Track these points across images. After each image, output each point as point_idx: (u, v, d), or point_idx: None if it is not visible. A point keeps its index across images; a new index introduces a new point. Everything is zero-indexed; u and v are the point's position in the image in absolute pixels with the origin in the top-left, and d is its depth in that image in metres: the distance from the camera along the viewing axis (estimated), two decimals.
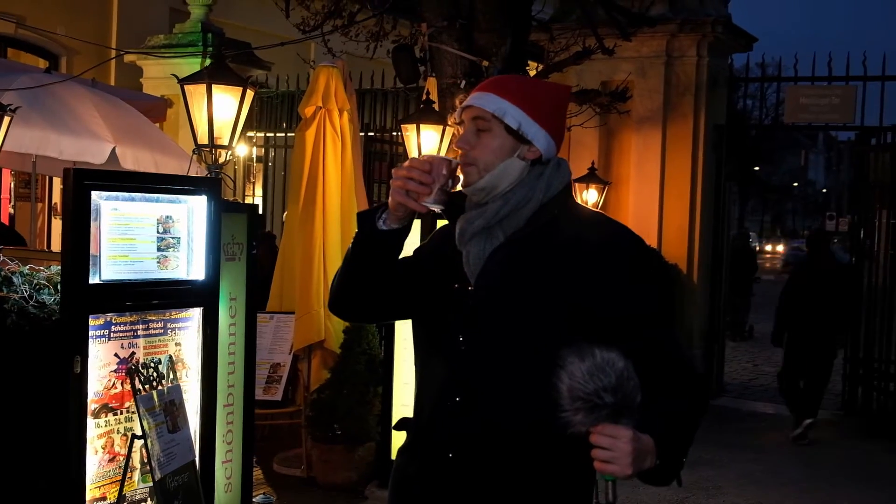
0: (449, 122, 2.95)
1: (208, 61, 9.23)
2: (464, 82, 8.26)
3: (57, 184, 11.80)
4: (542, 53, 10.01)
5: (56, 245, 11.00)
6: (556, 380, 1.94)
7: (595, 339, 2.06)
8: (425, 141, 6.32)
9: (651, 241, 10.49)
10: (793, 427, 8.97)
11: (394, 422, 6.23)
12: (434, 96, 7.16)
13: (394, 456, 6.57)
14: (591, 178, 10.08)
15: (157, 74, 10.96)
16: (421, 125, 6.35)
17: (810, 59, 10.10)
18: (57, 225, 11.66)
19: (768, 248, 52.27)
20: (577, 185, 10.12)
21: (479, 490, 2.23)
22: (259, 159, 11.71)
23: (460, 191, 2.32)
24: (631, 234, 2.28)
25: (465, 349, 2.24)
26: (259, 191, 11.91)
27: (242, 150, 11.23)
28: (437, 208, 2.25)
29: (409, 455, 2.39)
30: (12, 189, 12.06)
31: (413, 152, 6.30)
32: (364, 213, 2.37)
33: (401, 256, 2.41)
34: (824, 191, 73.29)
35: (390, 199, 2.28)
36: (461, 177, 2.31)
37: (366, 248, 2.36)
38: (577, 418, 1.91)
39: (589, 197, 10.07)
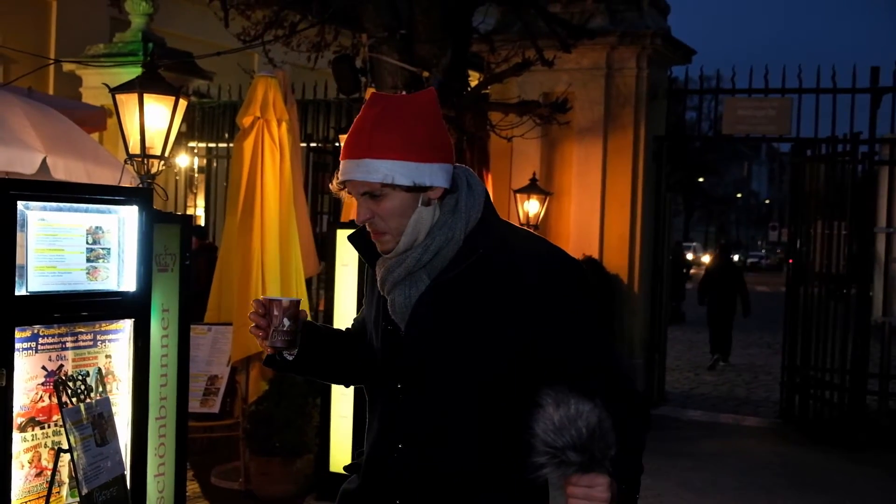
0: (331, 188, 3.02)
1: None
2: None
3: None
4: (483, 64, 10.08)
5: None
6: (531, 421, 1.85)
7: (536, 372, 2.07)
8: None
9: (592, 251, 10.59)
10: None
11: (332, 433, 6.23)
12: None
13: (333, 468, 6.51)
14: (532, 188, 10.15)
15: (97, 84, 10.78)
16: None
17: (748, 72, 10.28)
18: None
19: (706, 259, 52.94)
20: (518, 195, 10.19)
21: None
22: (201, 170, 11.61)
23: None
24: (564, 259, 2.19)
25: (402, 397, 2.19)
26: (201, 202, 11.80)
27: (184, 160, 11.12)
28: (279, 349, 2.25)
29: (356, 500, 2.32)
30: None
31: None
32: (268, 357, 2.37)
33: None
34: (767, 201, 74.52)
35: None
36: (302, 313, 2.26)
37: (299, 371, 2.39)
38: (544, 470, 1.84)
39: (530, 208, 10.13)
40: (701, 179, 48.40)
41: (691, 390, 12.59)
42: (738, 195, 68.01)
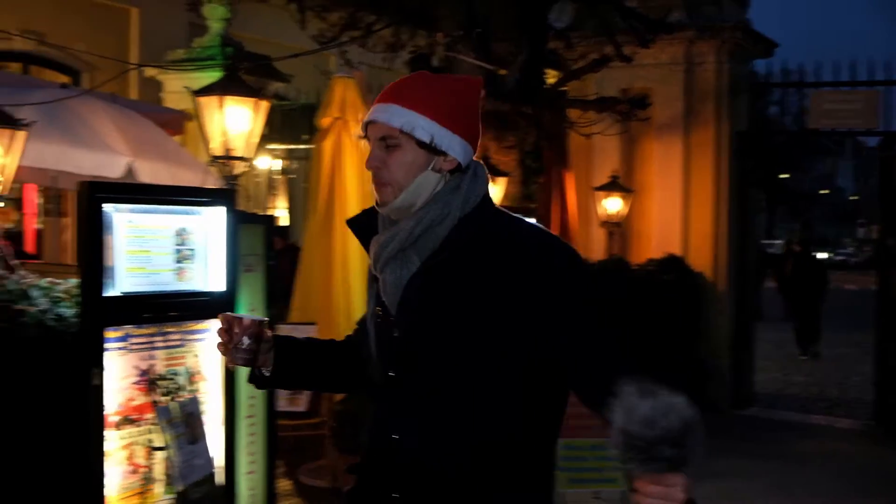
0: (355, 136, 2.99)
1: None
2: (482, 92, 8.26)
3: None
4: (560, 61, 9.98)
5: None
6: (609, 412, 1.76)
7: (535, 360, 2.02)
8: None
9: (675, 249, 10.42)
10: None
11: None
12: None
13: None
14: (613, 186, 10.03)
15: (177, 88, 10.99)
16: None
17: (831, 64, 10.03)
18: None
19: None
20: (598, 193, 10.07)
21: None
22: (283, 171, 11.73)
23: (374, 208, 2.20)
24: (562, 248, 2.14)
25: (395, 386, 2.14)
26: (282, 203, 11.93)
27: (264, 162, 11.25)
28: (237, 366, 2.27)
29: (358, 496, 2.28)
30: (40, 205, 12.17)
31: None
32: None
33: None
34: (853, 197, 72.71)
35: None
36: (266, 332, 2.27)
37: (280, 386, 2.46)
38: (628, 464, 1.73)
39: (611, 206, 10.01)
40: (785, 175, 47.41)
41: (780, 391, 12.30)
42: (823, 191, 66.51)
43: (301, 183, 11.46)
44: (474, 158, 2.19)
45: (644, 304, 8.26)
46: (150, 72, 10.92)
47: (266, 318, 2.27)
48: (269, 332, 2.28)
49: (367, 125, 2.15)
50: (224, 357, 2.28)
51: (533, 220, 2.45)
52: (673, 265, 9.93)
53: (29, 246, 11.03)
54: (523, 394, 2.08)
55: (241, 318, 2.23)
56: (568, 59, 9.84)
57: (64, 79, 11.32)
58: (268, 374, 2.33)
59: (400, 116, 2.09)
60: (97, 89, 6.62)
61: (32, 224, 12.00)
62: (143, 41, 12.14)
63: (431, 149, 2.09)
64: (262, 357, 2.29)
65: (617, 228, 10.22)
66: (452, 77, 2.22)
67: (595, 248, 10.53)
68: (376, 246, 2.14)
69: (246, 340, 2.21)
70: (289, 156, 11.59)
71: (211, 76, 10.19)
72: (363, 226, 2.23)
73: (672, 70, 10.62)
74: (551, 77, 9.36)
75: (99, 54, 8.83)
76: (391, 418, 2.16)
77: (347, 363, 2.40)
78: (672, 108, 10.64)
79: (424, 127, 2.08)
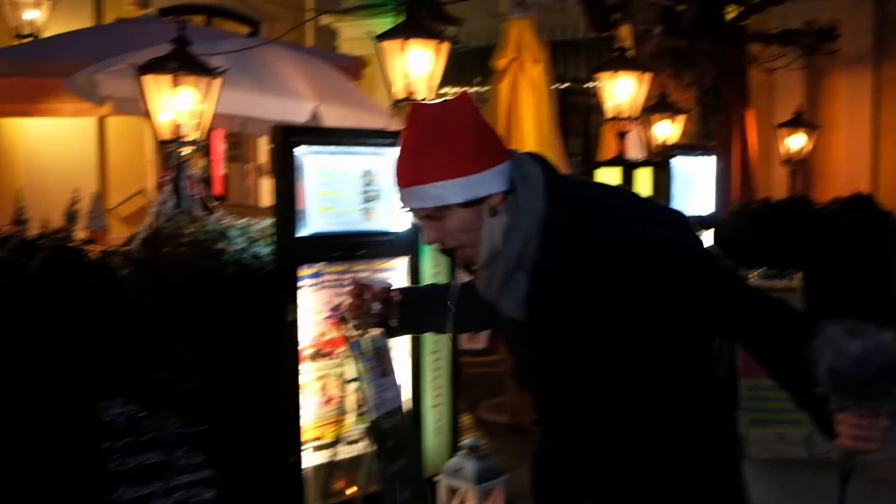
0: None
1: (401, 19, 9.37)
2: (658, 28, 8.07)
3: (262, 144, 12.35)
4: None
5: (266, 201, 11.55)
6: (814, 352, 1.74)
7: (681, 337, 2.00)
8: (621, 89, 6.21)
9: (863, 187, 9.95)
10: None
11: None
12: (628, 44, 7.01)
13: None
14: (797, 122, 9.62)
15: (352, 35, 11.24)
16: (615, 73, 6.24)
17: None
18: (265, 183, 12.22)
19: None
20: (781, 130, 9.71)
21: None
22: None
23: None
24: (665, 218, 2.05)
25: (543, 388, 2.21)
26: None
27: None
28: (366, 328, 2.46)
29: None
30: (224, 152, 12.71)
31: (609, 101, 6.20)
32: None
33: None
34: None
35: None
36: (395, 294, 2.37)
37: (407, 332, 2.65)
38: (844, 404, 1.73)
39: (795, 143, 9.62)
40: None
41: None
42: None
43: None
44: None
45: (830, 244, 7.95)
46: (325, 20, 11.18)
47: (391, 283, 2.39)
48: (396, 296, 2.38)
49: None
50: (354, 320, 2.42)
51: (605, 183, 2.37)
52: (861, 204, 9.48)
53: (216, 190, 11.57)
54: (682, 379, 2.07)
55: (371, 286, 2.34)
56: None
57: (244, 30, 11.73)
58: (395, 325, 2.50)
59: (428, 197, 1.98)
60: (279, 38, 6.83)
61: (218, 169, 12.57)
62: None
63: (474, 202, 1.98)
64: (391, 312, 2.42)
65: (800, 167, 9.83)
66: (441, 110, 2.02)
67: (777, 187, 10.19)
68: (482, 288, 2.10)
69: (376, 306, 2.33)
70: None
71: (384, 22, 10.36)
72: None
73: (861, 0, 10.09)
74: (731, 11, 9.05)
75: (278, 4, 9.08)
76: (554, 419, 2.22)
77: (468, 306, 2.34)
78: (862, 40, 10.11)
79: (456, 192, 1.96)
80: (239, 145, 12.25)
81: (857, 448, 1.78)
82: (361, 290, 2.32)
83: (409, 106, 2.08)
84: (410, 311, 2.45)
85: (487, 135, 2.01)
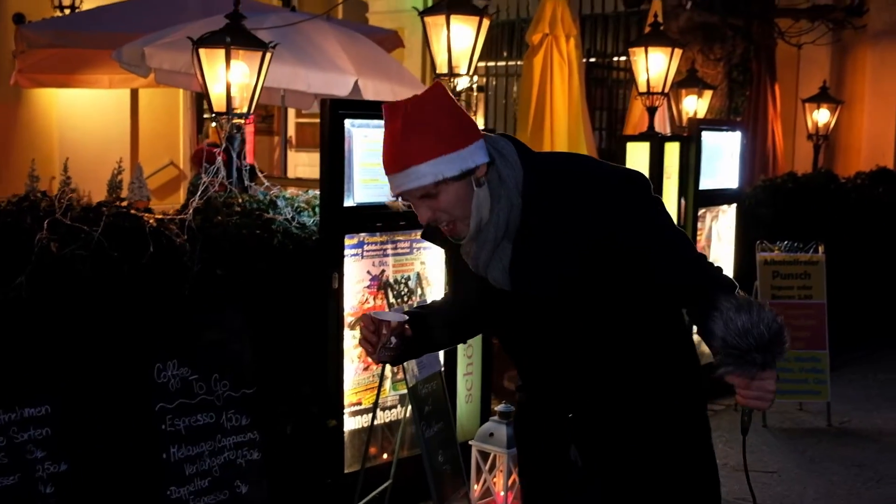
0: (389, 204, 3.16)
1: None
2: (689, 3, 8.12)
3: (291, 117, 12.46)
4: None
5: (292, 173, 11.68)
6: (710, 322, 2.01)
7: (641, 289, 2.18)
8: (653, 63, 6.28)
9: (887, 161, 10.00)
10: None
11: None
12: (661, 18, 7.07)
13: None
14: (822, 97, 9.65)
15: (382, 9, 11.31)
16: (649, 48, 6.31)
17: None
18: (293, 156, 12.33)
19: None
20: (807, 105, 9.76)
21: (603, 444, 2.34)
22: (480, 88, 11.90)
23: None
24: (624, 177, 2.23)
25: (540, 345, 2.31)
26: (480, 121, 12.13)
27: (464, 80, 11.43)
28: (384, 363, 2.44)
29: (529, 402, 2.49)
30: (253, 124, 12.84)
31: (641, 76, 6.28)
32: None
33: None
34: None
35: None
36: (407, 332, 2.34)
37: (412, 357, 2.58)
38: (726, 367, 2.01)
39: (820, 118, 9.66)
40: None
41: None
42: None
43: (500, 100, 11.59)
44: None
45: (854, 217, 8.03)
46: None
47: (407, 316, 2.36)
48: (409, 330, 2.38)
49: (400, 196, 2.19)
50: (369, 355, 2.39)
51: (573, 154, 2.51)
52: (885, 178, 9.54)
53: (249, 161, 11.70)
54: (654, 320, 2.29)
55: (388, 321, 2.30)
56: None
57: (276, 2, 11.82)
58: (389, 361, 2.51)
59: (425, 175, 2.12)
60: (326, 14, 6.93)
61: (250, 142, 12.71)
62: None
63: (465, 174, 2.13)
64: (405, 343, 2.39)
65: (825, 141, 9.88)
66: (418, 101, 2.17)
67: (801, 161, 10.23)
68: (471, 259, 2.25)
69: (393, 340, 2.30)
70: (487, 73, 11.72)
71: None
72: (440, 234, 2.30)
73: None
74: None
75: None
76: (541, 371, 2.37)
77: (462, 324, 2.52)
78: (890, 15, 10.08)
79: (450, 166, 2.12)
80: (267, 118, 12.38)
81: (749, 405, 2.07)
82: (378, 325, 2.31)
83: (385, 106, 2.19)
84: (416, 338, 2.47)
85: (463, 115, 2.20)
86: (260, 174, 4.28)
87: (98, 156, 9.36)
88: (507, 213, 2.17)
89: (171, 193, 10.91)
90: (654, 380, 2.28)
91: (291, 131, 12.61)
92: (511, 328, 2.37)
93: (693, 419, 2.35)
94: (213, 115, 4.19)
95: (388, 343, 2.30)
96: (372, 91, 5.94)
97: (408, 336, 2.35)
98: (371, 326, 2.31)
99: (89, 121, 10.25)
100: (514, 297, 2.24)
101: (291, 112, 12.14)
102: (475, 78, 11.68)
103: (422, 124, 2.13)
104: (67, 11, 9.35)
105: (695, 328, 2.22)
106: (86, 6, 9.41)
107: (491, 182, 2.17)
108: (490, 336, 4.64)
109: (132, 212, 3.54)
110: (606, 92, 11.12)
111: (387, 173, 2.18)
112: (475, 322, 2.52)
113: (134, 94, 10.40)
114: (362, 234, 4.15)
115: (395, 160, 2.14)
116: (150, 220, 3.57)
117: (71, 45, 7.35)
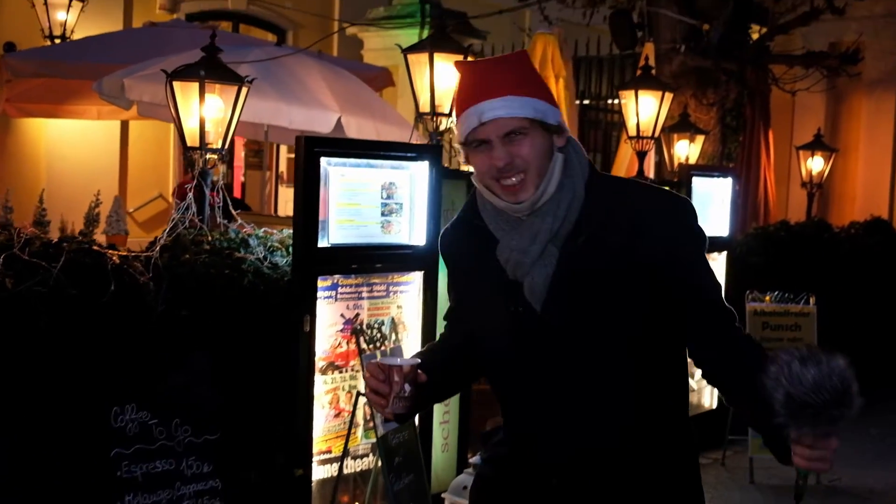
0: (453, 145, 2.92)
1: (426, 32, 9.40)
2: (683, 47, 8.07)
3: (283, 153, 12.38)
4: (767, 15, 9.61)
5: (283, 210, 11.57)
6: (769, 379, 1.78)
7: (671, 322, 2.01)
8: (643, 107, 6.21)
9: (881, 211, 9.94)
10: None
11: None
12: (652, 62, 7.02)
13: None
14: (816, 145, 9.60)
15: (377, 46, 11.24)
16: (639, 91, 6.24)
17: None
18: (283, 192, 12.25)
19: None
20: (801, 152, 9.69)
21: None
22: None
23: (452, 227, 2.16)
24: (680, 201, 2.08)
25: (544, 378, 2.06)
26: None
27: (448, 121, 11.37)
28: (400, 415, 2.06)
29: (500, 469, 2.24)
30: (244, 159, 12.78)
31: (631, 119, 6.20)
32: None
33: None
34: None
35: None
36: (421, 377, 2.05)
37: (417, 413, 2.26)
38: (800, 429, 1.79)
39: (814, 165, 9.60)
40: None
41: None
42: None
43: None
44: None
45: (847, 268, 7.92)
46: (351, 30, 11.21)
47: (419, 360, 2.09)
48: (423, 375, 2.08)
49: (480, 126, 1.97)
50: (378, 409, 2.09)
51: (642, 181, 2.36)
52: (879, 228, 9.45)
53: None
54: (666, 365, 2.09)
55: (400, 367, 2.02)
56: (775, 12, 9.47)
57: (270, 37, 11.80)
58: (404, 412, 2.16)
59: (525, 106, 1.95)
60: (308, 48, 6.87)
61: (239, 177, 12.62)
62: (345, 0, 12.46)
63: (556, 129, 1.99)
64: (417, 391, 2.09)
65: (819, 189, 9.82)
66: (506, 56, 2.08)
67: (795, 209, 10.16)
68: (516, 253, 2.01)
69: (407, 388, 2.01)
70: None
71: (409, 34, 10.40)
72: (455, 240, 2.17)
73: (887, 23, 10.08)
74: (755, 31, 9.05)
75: (305, 11, 9.12)
76: (543, 410, 2.09)
77: (461, 368, 2.28)
78: (885, 63, 10.11)
79: (549, 112, 1.98)
80: (259, 153, 12.31)
81: (811, 468, 1.84)
82: (388, 373, 2.02)
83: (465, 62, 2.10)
84: (435, 385, 2.19)
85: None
86: (234, 212, 4.15)
87: (86, 187, 9.23)
88: (569, 200, 2.00)
89: (159, 226, 10.74)
90: (657, 428, 2.08)
91: (283, 166, 12.53)
92: (513, 360, 2.11)
93: (689, 478, 2.15)
94: (186, 149, 4.08)
95: (402, 392, 2.01)
96: (355, 129, 5.85)
97: (422, 382, 2.06)
98: (380, 375, 2.02)
99: (78, 151, 10.16)
100: (527, 319, 2.03)
101: (284, 147, 12.09)
102: None
103: (523, 68, 2.03)
104: (58, 41, 9.30)
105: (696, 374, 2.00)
106: (76, 36, 9.35)
107: (567, 158, 2.03)
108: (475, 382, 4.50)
109: (95, 248, 3.41)
110: (601, 134, 11.07)
111: (473, 102, 1.98)
112: (473, 361, 2.23)
113: (124, 126, 10.32)
114: (336, 276, 4.02)
115: (491, 86, 1.96)
116: (114, 257, 3.44)
117: (55, 74, 7.30)
